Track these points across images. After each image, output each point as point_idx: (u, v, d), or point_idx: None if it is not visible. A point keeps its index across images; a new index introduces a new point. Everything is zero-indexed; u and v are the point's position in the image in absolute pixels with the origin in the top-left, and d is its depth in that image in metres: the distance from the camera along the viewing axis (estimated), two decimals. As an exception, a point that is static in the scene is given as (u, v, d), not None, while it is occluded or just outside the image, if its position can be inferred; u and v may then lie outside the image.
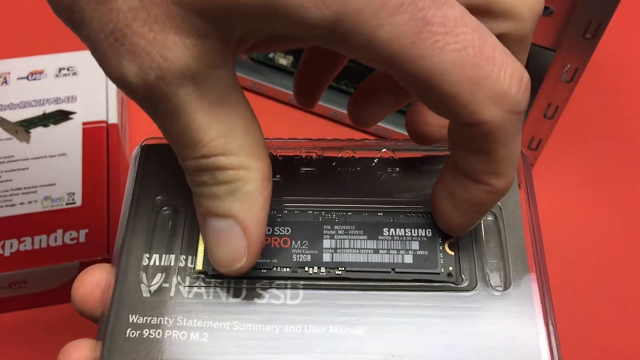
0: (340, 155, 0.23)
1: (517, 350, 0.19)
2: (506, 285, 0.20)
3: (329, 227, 0.21)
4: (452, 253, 0.20)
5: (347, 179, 0.22)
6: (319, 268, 0.20)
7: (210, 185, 0.18)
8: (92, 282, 0.21)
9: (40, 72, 0.45)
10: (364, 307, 0.20)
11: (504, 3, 0.18)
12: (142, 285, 0.21)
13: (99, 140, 0.41)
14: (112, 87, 0.44)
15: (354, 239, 0.20)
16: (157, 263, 0.21)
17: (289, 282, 0.20)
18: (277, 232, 0.20)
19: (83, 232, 0.37)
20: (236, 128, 0.17)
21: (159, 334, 0.20)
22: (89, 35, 0.16)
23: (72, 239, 0.37)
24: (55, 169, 0.40)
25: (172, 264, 0.21)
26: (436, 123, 0.22)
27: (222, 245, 0.18)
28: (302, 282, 0.20)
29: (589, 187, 0.45)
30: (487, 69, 0.16)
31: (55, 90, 0.44)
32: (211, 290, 0.20)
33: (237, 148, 0.17)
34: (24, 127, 0.42)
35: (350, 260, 0.20)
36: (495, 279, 0.20)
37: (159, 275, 0.21)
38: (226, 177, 0.17)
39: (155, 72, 0.16)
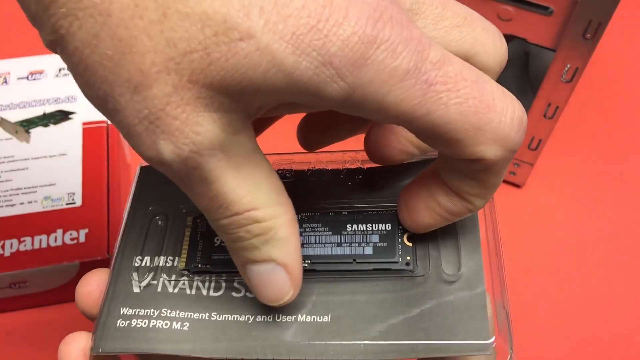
0: (312, 167, 0.26)
1: (466, 332, 0.20)
2: (458, 273, 0.22)
3: (298, 225, 0.22)
4: (410, 244, 0.22)
5: (317, 187, 0.25)
6: None
7: (246, 239, 0.19)
8: (93, 283, 0.24)
9: (41, 72, 0.45)
10: (330, 296, 0.22)
11: (481, 62, 0.20)
12: (133, 282, 0.23)
13: (99, 140, 0.41)
14: (112, 87, 0.44)
15: (319, 235, 0.23)
16: (148, 264, 0.24)
17: None
18: None
19: (83, 232, 0.37)
20: (260, 182, 0.19)
21: (145, 324, 0.22)
22: (122, 122, 0.17)
23: (72, 239, 0.37)
24: (55, 169, 0.40)
25: (161, 264, 0.24)
26: (397, 148, 0.23)
27: (267, 286, 0.20)
28: None
29: (589, 186, 0.45)
30: (488, 116, 0.18)
31: (55, 90, 0.44)
32: (194, 285, 0.23)
33: (265, 200, 0.19)
34: (24, 127, 0.42)
35: (316, 254, 0.22)
36: (448, 267, 0.22)
37: (148, 274, 0.23)
38: (260, 229, 0.19)
39: (189, 147, 0.17)
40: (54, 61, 0.46)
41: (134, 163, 0.46)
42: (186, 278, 0.23)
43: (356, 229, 0.23)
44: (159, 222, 0.25)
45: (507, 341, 0.21)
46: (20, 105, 0.43)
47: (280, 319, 0.21)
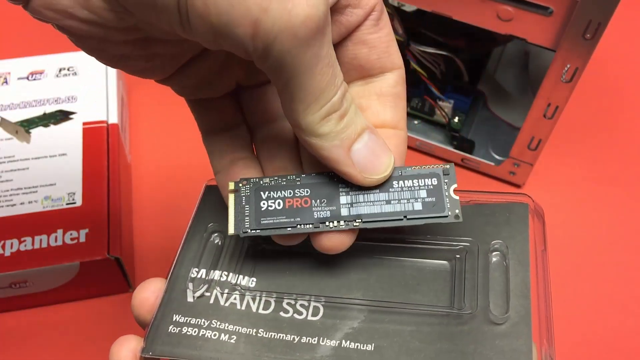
0: None
1: None
2: (505, 315, 0.22)
3: (343, 185, 0.22)
4: (458, 197, 0.22)
5: None
6: (338, 222, 0.22)
7: (342, 119, 0.20)
8: (149, 290, 0.25)
9: (41, 72, 0.45)
10: (375, 324, 0.22)
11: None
12: (188, 292, 0.24)
13: (99, 140, 0.41)
14: (112, 87, 0.44)
15: (367, 194, 0.22)
16: (203, 276, 0.25)
17: (312, 298, 0.24)
18: (297, 194, 0.23)
19: (83, 232, 0.37)
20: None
21: (195, 332, 0.23)
22: None
23: (72, 239, 0.37)
24: (56, 168, 0.40)
25: (216, 277, 0.25)
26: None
27: (374, 156, 0.21)
28: (322, 299, 0.23)
29: (588, 186, 0.45)
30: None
31: (55, 90, 0.44)
32: (245, 300, 0.24)
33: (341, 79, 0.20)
34: (25, 127, 0.42)
35: (366, 212, 0.22)
36: (496, 309, 0.22)
37: (203, 285, 0.24)
38: (349, 103, 0.20)
39: (324, 7, 0.18)
40: (54, 61, 0.46)
41: (134, 163, 0.46)
42: (238, 293, 0.24)
43: (403, 185, 0.22)
44: (217, 239, 0.26)
45: None
46: (21, 105, 0.43)
47: (324, 342, 0.22)
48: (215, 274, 0.25)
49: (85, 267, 0.36)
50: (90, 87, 0.44)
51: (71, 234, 0.37)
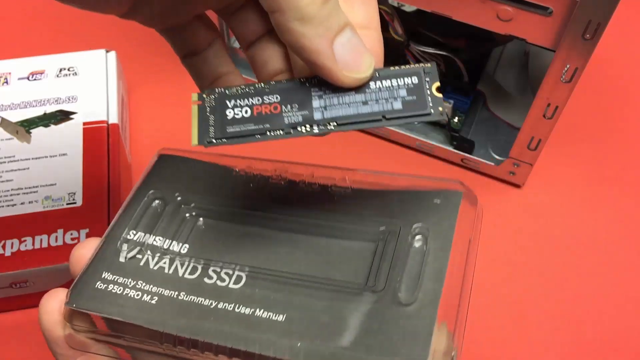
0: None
1: (406, 356, 0.20)
2: (413, 296, 0.22)
3: (317, 88, 0.21)
4: (440, 95, 0.21)
5: None
6: (311, 126, 0.21)
7: (327, 2, 0.20)
8: (87, 246, 0.25)
9: (41, 73, 0.45)
10: (289, 296, 0.23)
11: None
12: (121, 252, 0.25)
13: (99, 140, 0.41)
14: (113, 87, 0.44)
15: (342, 96, 0.21)
16: (138, 239, 0.26)
17: (236, 267, 0.24)
18: (266, 100, 0.21)
19: (83, 232, 0.37)
20: None
21: (119, 290, 0.24)
22: None
23: (72, 239, 0.37)
24: (56, 168, 0.40)
25: (149, 242, 0.26)
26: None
27: (355, 53, 0.20)
28: (247, 269, 0.24)
29: (588, 186, 0.45)
30: None
31: (55, 90, 0.44)
32: (173, 265, 0.25)
33: None
34: (25, 127, 0.42)
35: (342, 114, 0.21)
36: (407, 290, 0.22)
37: (135, 247, 0.25)
38: None
39: None
40: (55, 61, 0.46)
41: (135, 163, 0.46)
42: (169, 257, 0.25)
43: (381, 85, 0.21)
44: (158, 206, 0.27)
45: None
46: (21, 105, 0.43)
47: (239, 309, 0.23)
48: (150, 238, 0.26)
49: (86, 267, 0.36)
50: (91, 87, 0.44)
51: (71, 234, 0.37)
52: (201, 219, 0.26)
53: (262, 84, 0.22)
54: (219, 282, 0.24)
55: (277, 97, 0.21)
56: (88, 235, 0.37)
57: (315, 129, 0.21)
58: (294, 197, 0.26)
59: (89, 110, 0.43)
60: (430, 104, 0.21)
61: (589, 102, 0.49)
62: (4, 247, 0.36)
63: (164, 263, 0.25)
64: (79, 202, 0.38)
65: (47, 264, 0.36)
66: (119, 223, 0.26)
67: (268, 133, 0.21)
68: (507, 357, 0.38)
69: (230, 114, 0.21)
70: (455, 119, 0.44)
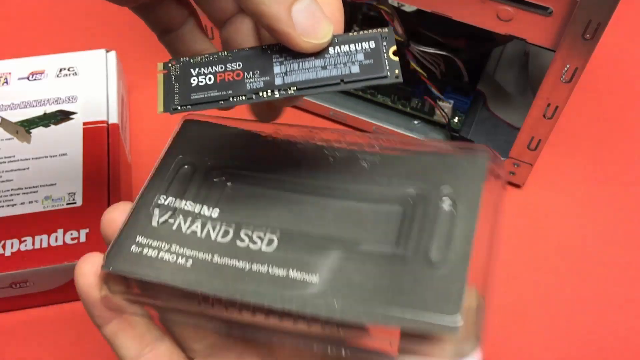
0: None
1: (437, 311, 0.21)
2: (445, 259, 0.23)
3: (277, 55, 0.22)
4: (397, 58, 0.22)
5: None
6: (272, 91, 0.22)
7: None
8: (119, 209, 0.26)
9: (41, 73, 0.45)
10: (322, 259, 0.23)
11: None
12: (153, 217, 0.25)
13: (99, 140, 0.41)
14: (113, 87, 0.44)
15: (302, 61, 0.22)
16: (169, 204, 0.26)
17: (268, 230, 0.24)
18: (229, 68, 0.23)
19: (84, 232, 0.37)
20: None
21: (154, 254, 0.24)
22: None
23: (72, 239, 0.37)
24: (56, 168, 0.40)
25: (180, 206, 0.26)
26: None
27: (313, 19, 0.21)
28: (278, 231, 0.24)
29: (588, 187, 0.45)
30: None
31: (55, 90, 0.44)
32: (205, 229, 0.25)
33: None
34: (25, 127, 0.42)
35: (301, 79, 0.22)
36: (437, 252, 0.23)
37: (167, 212, 0.26)
38: None
39: None
40: (55, 61, 0.46)
41: (135, 163, 0.46)
42: (200, 221, 0.25)
43: (339, 51, 0.22)
44: (186, 171, 0.27)
45: (478, 331, 0.21)
46: (21, 105, 0.43)
47: (273, 271, 0.23)
48: (181, 203, 0.26)
49: (86, 267, 0.36)
50: (91, 87, 0.44)
51: (71, 234, 0.37)
52: (229, 183, 0.26)
53: (226, 52, 0.23)
54: (251, 245, 0.24)
55: (239, 65, 0.23)
56: (88, 235, 0.37)
57: (277, 94, 0.22)
58: (322, 162, 0.25)
59: (89, 110, 0.43)
60: (387, 67, 0.22)
61: (589, 102, 0.49)
62: (4, 247, 0.36)
63: (196, 227, 0.25)
64: (79, 202, 0.38)
65: (47, 264, 0.36)
66: (149, 188, 0.26)
67: (231, 99, 0.22)
68: (507, 357, 0.38)
69: (194, 81, 0.23)
70: (455, 119, 0.44)
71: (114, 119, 0.43)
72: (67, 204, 0.38)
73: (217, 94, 0.22)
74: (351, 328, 0.22)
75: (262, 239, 0.24)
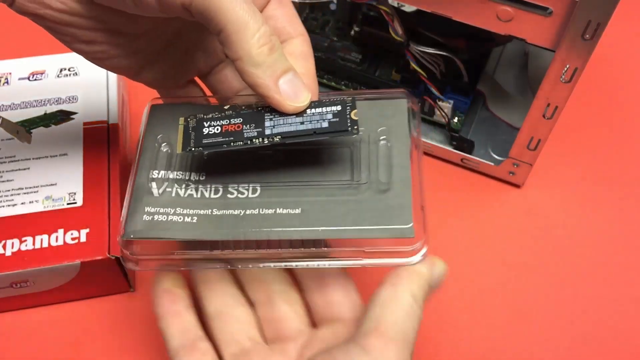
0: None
1: (394, 220, 0.29)
2: (390, 182, 0.30)
3: (269, 114, 0.29)
4: (357, 118, 0.29)
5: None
6: (262, 138, 0.28)
7: (273, 52, 0.27)
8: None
9: (41, 73, 0.45)
10: (301, 197, 0.30)
11: None
12: (152, 189, 0.30)
13: (99, 140, 0.41)
14: (113, 87, 0.44)
15: (286, 118, 0.29)
16: (162, 177, 0.31)
17: (250, 182, 0.31)
18: (232, 122, 0.29)
19: (84, 232, 0.37)
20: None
21: (164, 218, 0.29)
22: None
23: (73, 239, 0.37)
24: (57, 169, 0.40)
25: (172, 177, 0.31)
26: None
27: (296, 89, 0.28)
28: (259, 183, 0.30)
29: (588, 186, 0.45)
30: None
31: (56, 90, 0.44)
32: (199, 191, 0.30)
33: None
34: (25, 127, 0.42)
35: (284, 130, 0.28)
36: (383, 178, 0.30)
37: (163, 182, 0.31)
38: (277, 42, 0.27)
39: None
40: (55, 61, 0.46)
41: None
42: (193, 186, 0.31)
43: (314, 111, 0.29)
44: (166, 147, 0.32)
45: (424, 230, 0.29)
46: (22, 105, 0.43)
47: (263, 212, 0.29)
48: (172, 174, 0.31)
49: (86, 266, 0.36)
50: (91, 87, 0.44)
51: (72, 234, 0.37)
52: (206, 151, 0.30)
53: (231, 111, 0.30)
54: (240, 196, 0.30)
55: (240, 120, 0.29)
56: (88, 235, 0.37)
57: (266, 141, 0.28)
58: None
59: (89, 111, 0.43)
60: (349, 124, 0.28)
61: (588, 102, 0.49)
62: (4, 247, 0.36)
63: (191, 190, 0.30)
64: (80, 202, 0.38)
65: (47, 264, 0.36)
66: (140, 168, 0.31)
67: (232, 144, 0.29)
68: (507, 357, 0.38)
69: (206, 131, 0.29)
70: (455, 119, 0.44)
71: (114, 119, 0.43)
72: (68, 204, 0.38)
73: (222, 139, 0.29)
74: (334, 245, 0.29)
75: (247, 190, 0.30)
